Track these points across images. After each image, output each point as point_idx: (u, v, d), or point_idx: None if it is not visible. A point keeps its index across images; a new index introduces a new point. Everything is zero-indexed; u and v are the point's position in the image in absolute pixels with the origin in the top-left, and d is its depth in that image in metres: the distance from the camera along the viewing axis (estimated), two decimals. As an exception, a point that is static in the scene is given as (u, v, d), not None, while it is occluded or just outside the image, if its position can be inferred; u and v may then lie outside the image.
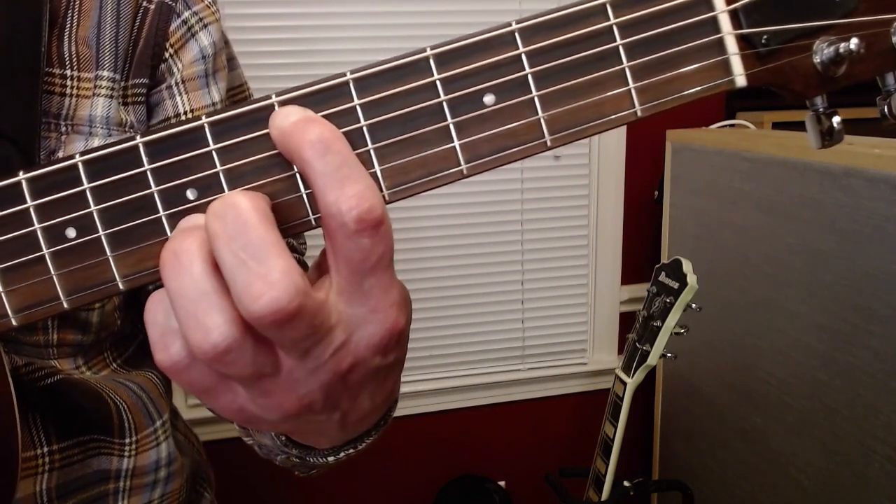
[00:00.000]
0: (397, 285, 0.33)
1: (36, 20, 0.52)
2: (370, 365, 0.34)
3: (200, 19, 0.63)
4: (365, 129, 0.33)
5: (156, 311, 0.32)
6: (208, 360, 0.30)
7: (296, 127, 0.31)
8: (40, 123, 0.53)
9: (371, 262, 0.31)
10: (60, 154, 0.55)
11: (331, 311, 0.32)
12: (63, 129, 0.55)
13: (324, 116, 0.33)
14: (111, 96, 0.57)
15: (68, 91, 0.55)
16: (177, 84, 0.62)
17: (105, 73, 0.57)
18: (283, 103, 0.33)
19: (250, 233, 0.29)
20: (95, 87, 0.57)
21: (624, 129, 1.79)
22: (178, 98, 0.62)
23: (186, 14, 0.62)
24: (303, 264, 0.72)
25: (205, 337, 0.30)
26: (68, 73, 0.56)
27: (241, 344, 0.30)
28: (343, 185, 0.30)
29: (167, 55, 0.61)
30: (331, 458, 0.48)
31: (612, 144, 1.81)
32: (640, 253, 1.89)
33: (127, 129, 0.58)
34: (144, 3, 0.60)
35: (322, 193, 0.30)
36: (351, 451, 0.48)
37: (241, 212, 0.30)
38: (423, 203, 1.74)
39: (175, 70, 0.62)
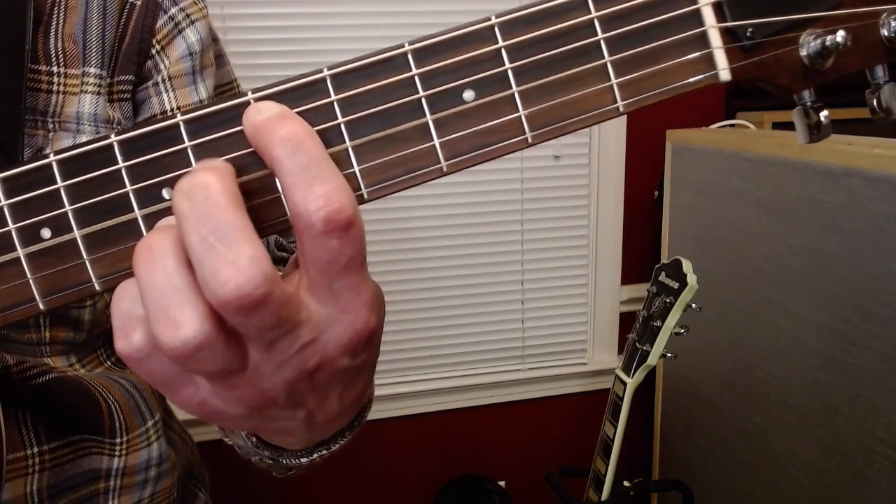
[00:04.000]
0: (369, 286, 0.32)
1: (20, 16, 0.52)
2: (338, 365, 0.34)
3: (187, 16, 0.63)
4: (342, 125, 0.33)
5: (121, 298, 0.32)
6: (176, 357, 0.30)
7: (267, 123, 0.31)
8: (24, 121, 0.53)
9: (340, 264, 0.31)
10: (48, 152, 0.54)
11: (299, 306, 0.31)
12: (50, 126, 0.55)
13: (300, 113, 0.32)
14: (98, 93, 0.57)
15: (55, 88, 0.55)
16: (163, 81, 0.61)
17: (92, 70, 0.57)
18: (259, 100, 0.33)
19: (220, 217, 0.29)
20: (83, 83, 0.56)
21: (624, 128, 1.79)
22: (164, 95, 0.61)
23: (173, 10, 0.62)
24: None
25: (175, 332, 0.29)
26: (55, 69, 0.55)
27: (212, 341, 0.30)
28: (311, 184, 0.30)
29: (154, 52, 0.61)
30: (303, 460, 0.47)
31: (612, 144, 1.81)
32: (640, 253, 1.88)
33: (114, 125, 0.58)
34: None
35: (290, 192, 0.30)
36: (324, 451, 0.47)
37: (212, 194, 0.29)
38: (423, 203, 1.73)
39: (162, 67, 0.61)
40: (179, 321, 0.29)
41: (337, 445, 0.47)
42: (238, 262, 0.28)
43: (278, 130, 0.30)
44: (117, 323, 0.32)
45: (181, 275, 0.29)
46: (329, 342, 0.33)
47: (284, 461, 0.48)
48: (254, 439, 0.47)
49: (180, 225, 0.29)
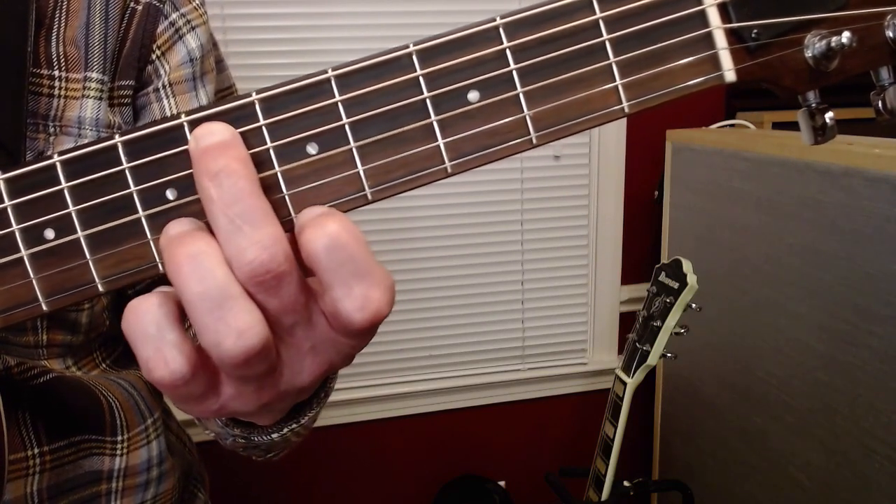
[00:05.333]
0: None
1: (22, 20, 0.52)
2: (342, 351, 0.35)
3: (188, 21, 0.62)
4: (347, 126, 0.33)
5: (145, 323, 0.31)
6: (238, 364, 0.31)
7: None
8: (26, 124, 0.52)
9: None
10: (49, 153, 0.54)
11: (314, 302, 0.33)
12: (51, 130, 0.55)
13: (305, 114, 0.32)
14: (100, 98, 0.57)
15: (56, 92, 0.55)
16: (164, 87, 0.61)
17: (94, 75, 0.57)
18: (264, 100, 0.33)
19: (246, 201, 0.31)
20: (84, 88, 0.56)
21: (624, 129, 1.79)
22: (165, 101, 0.61)
23: (174, 16, 0.62)
24: None
25: (238, 340, 0.30)
26: (56, 73, 0.55)
27: (270, 343, 0.31)
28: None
29: (154, 57, 0.61)
30: (275, 436, 0.48)
31: (612, 144, 1.80)
32: (640, 253, 1.88)
33: (116, 130, 0.58)
34: (132, 4, 0.60)
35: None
36: (294, 425, 0.48)
37: (238, 180, 0.31)
38: (424, 203, 1.73)
39: (162, 72, 0.61)
40: (242, 328, 0.30)
41: (306, 418, 0.48)
42: (263, 241, 0.30)
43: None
44: (148, 353, 0.31)
45: (233, 283, 0.30)
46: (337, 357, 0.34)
47: (256, 438, 0.48)
48: (223, 419, 0.47)
49: (208, 208, 0.31)
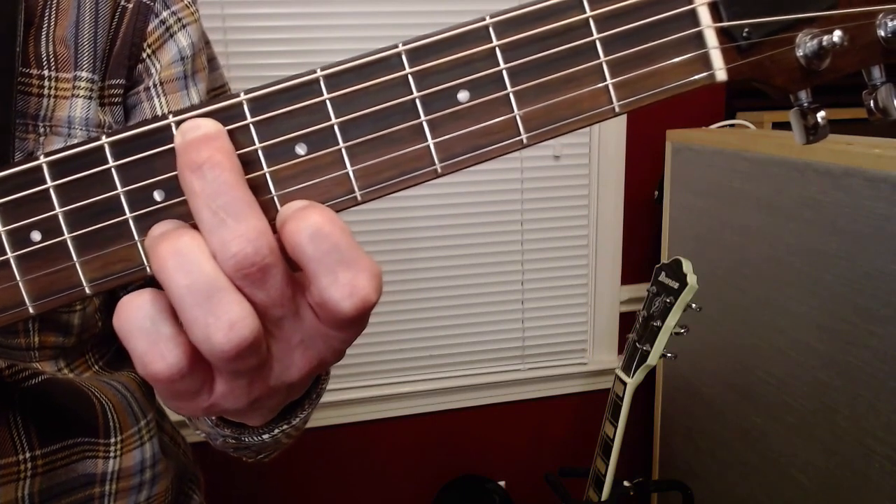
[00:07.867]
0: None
1: (10, 19, 0.51)
2: (332, 346, 0.34)
3: (179, 19, 0.62)
4: (336, 126, 0.32)
5: (139, 318, 0.31)
6: (230, 357, 0.30)
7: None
8: (14, 125, 0.52)
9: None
10: (38, 154, 0.54)
11: (301, 295, 0.32)
12: (41, 130, 0.54)
13: (293, 113, 0.32)
14: (90, 97, 0.56)
15: (46, 91, 0.55)
16: (155, 86, 0.61)
17: (84, 74, 0.56)
18: (253, 101, 0.32)
19: (230, 193, 0.30)
20: (74, 87, 0.56)
21: (624, 129, 1.79)
22: (156, 100, 0.61)
23: (165, 14, 0.61)
24: None
25: (229, 333, 0.30)
26: (46, 73, 0.55)
27: (261, 336, 0.31)
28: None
29: (145, 55, 0.61)
30: (266, 436, 0.48)
31: (612, 144, 1.80)
32: (640, 253, 1.88)
33: (106, 129, 0.58)
34: (122, 3, 0.59)
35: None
36: (285, 426, 0.47)
37: (223, 172, 0.30)
38: (423, 203, 1.73)
39: (153, 71, 0.61)
40: (233, 319, 0.30)
41: (297, 419, 0.47)
42: (247, 234, 0.30)
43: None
44: (143, 347, 0.31)
45: (221, 275, 0.30)
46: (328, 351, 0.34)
47: (246, 439, 0.48)
48: (213, 419, 0.47)
49: (192, 203, 0.30)
